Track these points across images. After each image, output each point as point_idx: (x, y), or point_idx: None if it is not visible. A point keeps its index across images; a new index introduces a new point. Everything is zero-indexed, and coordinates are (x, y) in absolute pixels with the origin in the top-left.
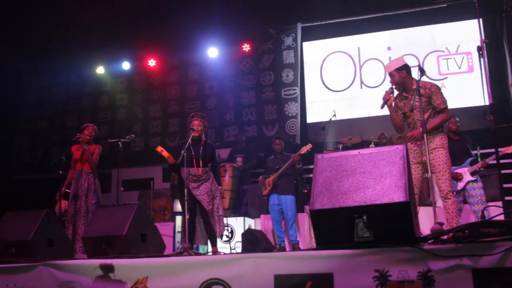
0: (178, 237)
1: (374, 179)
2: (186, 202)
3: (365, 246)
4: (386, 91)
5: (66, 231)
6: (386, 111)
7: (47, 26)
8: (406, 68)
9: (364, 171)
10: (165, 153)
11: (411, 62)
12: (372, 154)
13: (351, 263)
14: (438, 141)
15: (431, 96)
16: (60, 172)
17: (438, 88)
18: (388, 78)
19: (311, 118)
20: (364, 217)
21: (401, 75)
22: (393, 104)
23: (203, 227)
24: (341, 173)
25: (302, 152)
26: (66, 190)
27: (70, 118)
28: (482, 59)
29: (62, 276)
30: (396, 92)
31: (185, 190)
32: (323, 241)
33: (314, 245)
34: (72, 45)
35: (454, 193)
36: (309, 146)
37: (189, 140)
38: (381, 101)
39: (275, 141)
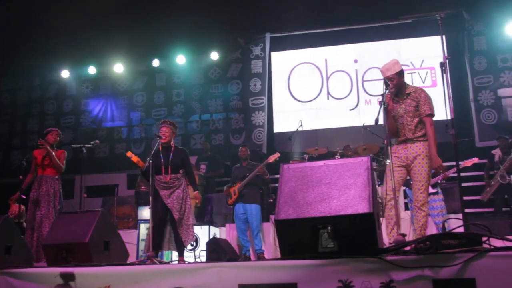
0: (142, 245)
1: (339, 190)
2: (151, 209)
3: (329, 257)
4: (387, 95)
5: (25, 237)
6: (351, 123)
7: (10, 27)
8: (403, 72)
9: (329, 182)
10: (134, 158)
11: (376, 75)
12: (337, 166)
13: (315, 273)
14: (423, 149)
15: (419, 101)
16: (20, 177)
17: (427, 96)
18: (354, 91)
19: (278, 128)
20: (329, 227)
21: (400, 79)
22: None
23: (167, 234)
24: (307, 184)
25: (270, 161)
26: (22, 196)
27: (32, 122)
28: (444, 75)
29: (20, 285)
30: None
31: (150, 198)
32: (288, 251)
33: (279, 254)
34: (37, 48)
35: (428, 205)
36: (277, 155)
37: (159, 147)
38: (375, 108)
39: (241, 148)
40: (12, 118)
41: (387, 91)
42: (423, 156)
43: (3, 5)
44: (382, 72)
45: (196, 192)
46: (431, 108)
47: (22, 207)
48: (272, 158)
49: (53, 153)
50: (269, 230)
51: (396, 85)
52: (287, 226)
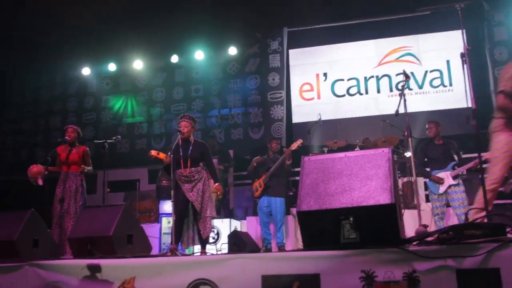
0: (164, 238)
1: (360, 181)
2: (173, 204)
3: (352, 247)
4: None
5: (51, 231)
6: (370, 113)
7: (32, 27)
8: None
9: (350, 173)
10: (161, 155)
11: (396, 69)
12: (358, 157)
13: (338, 264)
14: None
15: None
16: (46, 172)
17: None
18: None
19: (296, 120)
20: (351, 218)
21: None
22: None
23: (190, 230)
24: (328, 175)
25: (293, 148)
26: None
27: (55, 119)
28: (465, 65)
29: (48, 276)
30: None
31: (172, 191)
32: (310, 242)
33: (300, 247)
34: (58, 46)
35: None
36: (299, 141)
37: (179, 141)
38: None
39: (273, 141)
40: (35, 116)
41: (406, 82)
42: None
43: (23, 5)
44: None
45: (217, 184)
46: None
47: (42, 168)
48: (295, 145)
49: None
50: (289, 223)
51: None
52: (309, 218)
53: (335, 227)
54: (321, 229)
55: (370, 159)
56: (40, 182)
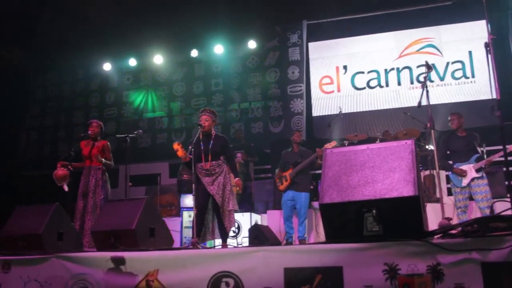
0: (185, 232)
1: (383, 173)
2: (194, 197)
3: (375, 240)
4: None
5: (75, 225)
6: (391, 105)
7: (53, 24)
8: None
9: (373, 165)
10: (180, 153)
11: (418, 61)
12: (380, 149)
13: (360, 256)
14: None
15: None
16: (70, 168)
17: None
18: None
19: (316, 114)
20: (374, 211)
21: None
22: None
23: (210, 224)
24: (350, 168)
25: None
26: (69, 167)
27: (77, 114)
28: (489, 55)
29: (74, 268)
30: None
31: (193, 185)
32: (333, 234)
33: (320, 241)
34: (79, 43)
35: None
36: (333, 143)
37: (199, 135)
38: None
39: (296, 133)
40: (57, 111)
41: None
42: None
43: (45, 2)
44: None
45: (237, 179)
46: None
47: (67, 172)
48: (329, 146)
49: (102, 160)
50: (310, 217)
51: None
52: (331, 210)
53: (358, 220)
54: (344, 221)
55: (393, 151)
56: (66, 188)
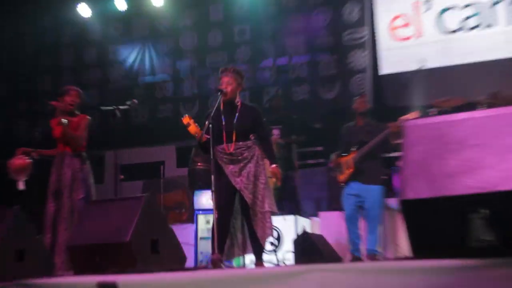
0: (202, 245)
1: (495, 155)
2: (213, 195)
3: (487, 255)
4: None
5: (43, 238)
6: (500, 54)
7: None
8: None
9: (479, 143)
10: (192, 128)
11: None
12: (490, 118)
13: (466, 280)
14: None
15: None
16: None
17: None
18: None
19: (386, 71)
20: (484, 211)
21: None
22: None
23: (238, 232)
24: (444, 147)
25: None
26: (33, 154)
27: (43, 79)
28: None
29: None
30: None
31: (212, 177)
32: (422, 247)
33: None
34: None
35: None
36: (415, 113)
37: (220, 105)
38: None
39: (359, 99)
40: (14, 76)
41: None
42: None
43: None
44: None
45: (274, 166)
46: None
47: (29, 162)
48: (409, 118)
49: (65, 122)
50: (385, 220)
51: None
52: (419, 210)
53: (460, 224)
54: (438, 226)
55: (510, 121)
56: (21, 186)
